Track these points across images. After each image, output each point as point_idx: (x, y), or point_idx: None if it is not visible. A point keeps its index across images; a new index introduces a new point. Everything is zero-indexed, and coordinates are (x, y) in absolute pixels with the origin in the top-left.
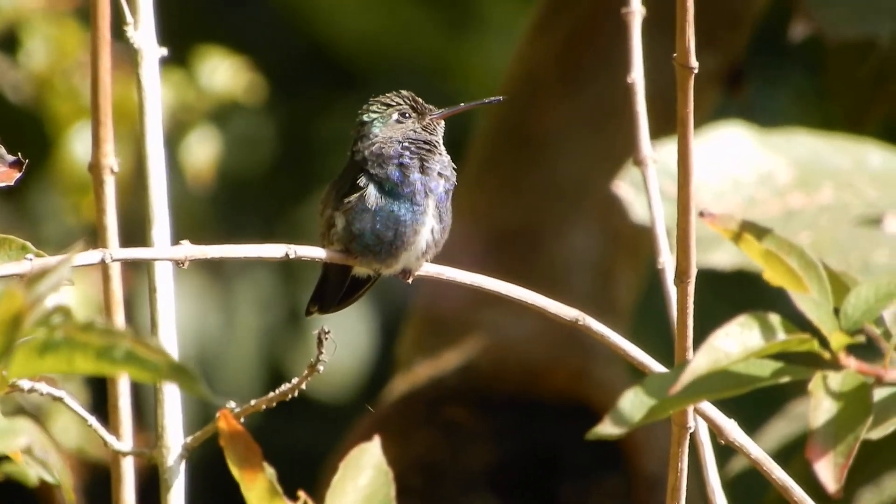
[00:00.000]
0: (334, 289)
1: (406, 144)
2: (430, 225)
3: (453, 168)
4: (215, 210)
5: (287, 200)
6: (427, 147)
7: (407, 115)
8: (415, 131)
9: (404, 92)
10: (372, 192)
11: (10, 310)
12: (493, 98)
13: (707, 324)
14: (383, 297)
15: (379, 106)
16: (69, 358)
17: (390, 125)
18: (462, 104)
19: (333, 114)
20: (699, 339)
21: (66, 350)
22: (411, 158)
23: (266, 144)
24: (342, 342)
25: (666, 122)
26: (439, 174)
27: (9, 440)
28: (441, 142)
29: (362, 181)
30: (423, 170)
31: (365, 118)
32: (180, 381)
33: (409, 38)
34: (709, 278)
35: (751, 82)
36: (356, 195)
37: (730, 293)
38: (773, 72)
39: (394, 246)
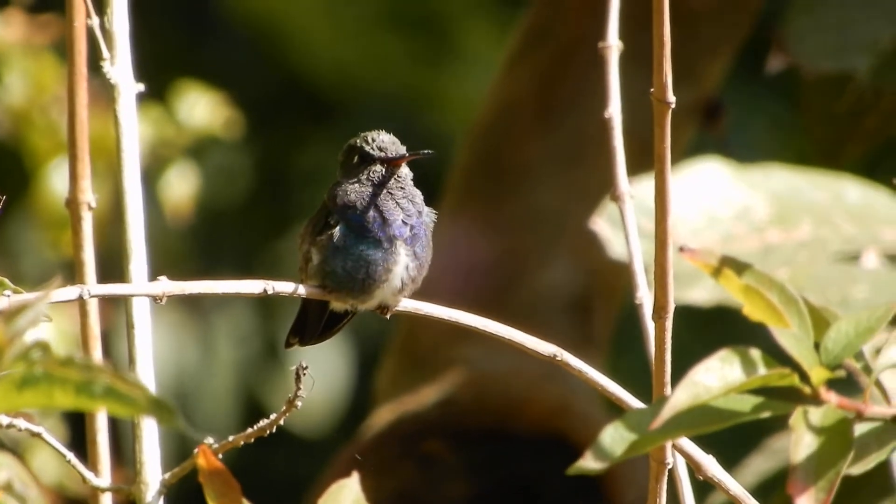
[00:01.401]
0: (313, 322)
1: (360, 194)
2: (403, 263)
3: (427, 211)
4: (193, 244)
5: (265, 233)
6: (386, 198)
7: (368, 160)
8: (373, 183)
9: (375, 133)
10: (339, 231)
11: None
12: (425, 151)
13: (684, 360)
14: (361, 330)
15: (344, 150)
16: (48, 393)
17: (351, 171)
18: (425, 150)
19: (310, 146)
20: (677, 374)
21: (45, 385)
22: (367, 209)
23: (243, 177)
24: (320, 375)
25: (643, 156)
26: (404, 222)
27: None
28: (405, 184)
29: (333, 219)
30: (384, 220)
31: (339, 157)
32: (159, 416)
33: (386, 69)
34: (686, 314)
35: (727, 116)
36: (327, 233)
37: (707, 329)
38: (749, 104)
39: (366, 283)
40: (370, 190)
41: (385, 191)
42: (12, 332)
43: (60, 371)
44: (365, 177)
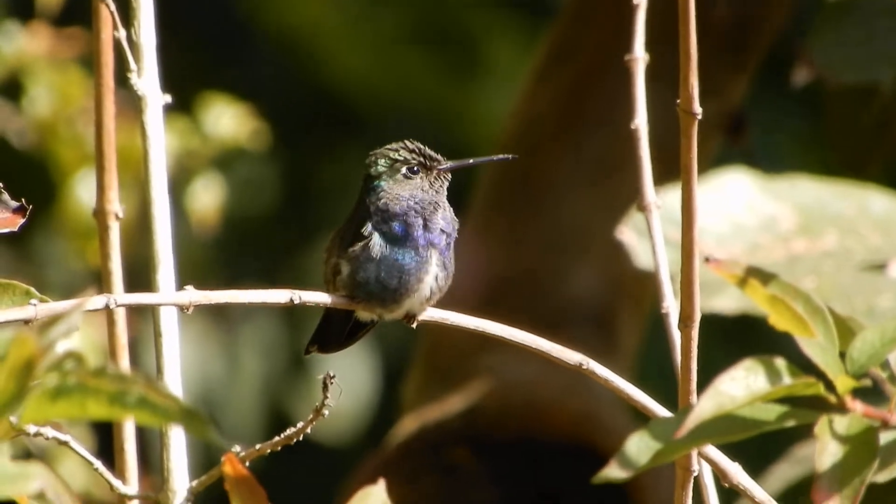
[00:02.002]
0: (336, 331)
1: (412, 204)
2: (434, 273)
3: (455, 221)
4: (218, 255)
5: (290, 245)
6: (432, 207)
7: (415, 170)
8: (422, 189)
9: (412, 143)
10: (377, 242)
11: (21, 356)
12: (502, 156)
13: (709, 368)
14: (386, 340)
15: (387, 160)
16: (82, 403)
17: (398, 181)
18: (471, 160)
19: (337, 159)
20: (702, 383)
21: (78, 395)
22: (416, 217)
23: (269, 189)
24: (346, 385)
25: (668, 169)
26: (442, 231)
27: (22, 484)
28: (445, 195)
29: (367, 230)
30: (427, 227)
31: (372, 171)
32: (192, 427)
33: (413, 83)
34: (712, 323)
35: (752, 128)
36: (361, 244)
37: (733, 338)
38: (774, 117)
39: (398, 293)
40: (426, 198)
41: (437, 200)
42: (46, 342)
43: (93, 382)
44: (420, 187)
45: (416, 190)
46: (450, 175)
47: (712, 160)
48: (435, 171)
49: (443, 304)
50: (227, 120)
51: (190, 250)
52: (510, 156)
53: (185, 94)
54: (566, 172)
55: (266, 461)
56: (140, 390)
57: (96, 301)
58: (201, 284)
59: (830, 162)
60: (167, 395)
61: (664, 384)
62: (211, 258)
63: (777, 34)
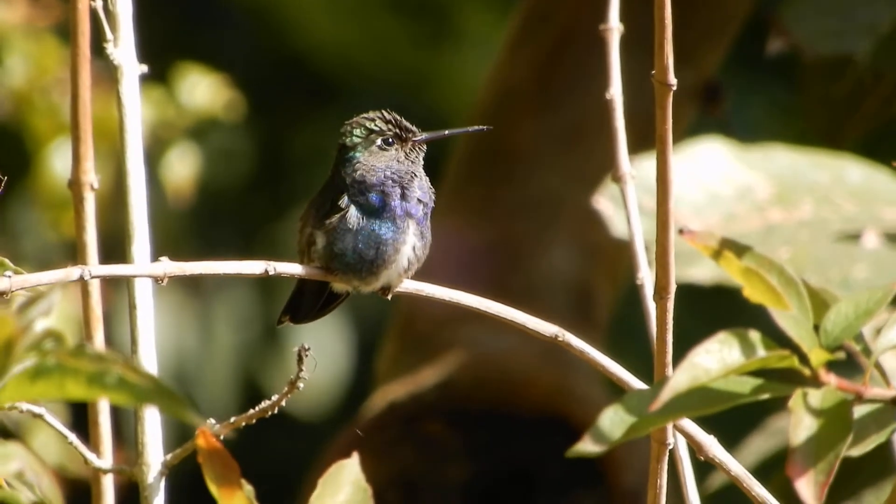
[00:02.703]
0: (310, 302)
1: (388, 174)
2: (411, 243)
3: (432, 191)
4: (193, 225)
5: (265, 215)
6: (409, 177)
7: (390, 141)
8: (398, 161)
9: (388, 114)
10: (353, 213)
11: (1, 335)
12: (476, 127)
13: (685, 339)
14: (361, 312)
15: (362, 130)
16: (60, 384)
17: (373, 152)
18: (446, 131)
19: (311, 127)
20: (678, 354)
21: (57, 376)
22: (392, 187)
23: (244, 159)
24: (321, 357)
25: (643, 136)
26: (419, 200)
27: (1, 464)
28: (421, 166)
29: (343, 202)
30: (404, 197)
31: (347, 142)
32: (170, 408)
33: (387, 50)
34: (687, 293)
35: (728, 97)
36: (337, 215)
37: (708, 308)
38: (749, 86)
39: (375, 264)
40: (402, 168)
41: (413, 170)
42: (25, 322)
43: (72, 362)
44: (396, 158)
45: (391, 161)
46: (425, 146)
47: (687, 129)
48: (410, 143)
49: (418, 275)
50: (203, 90)
51: (165, 221)
52: (485, 127)
53: (160, 64)
54: (540, 142)
55: (241, 434)
56: (119, 371)
57: (71, 273)
58: (176, 255)
59: (806, 131)
60: (146, 375)
61: (639, 356)
62: (186, 229)
63: (752, 2)
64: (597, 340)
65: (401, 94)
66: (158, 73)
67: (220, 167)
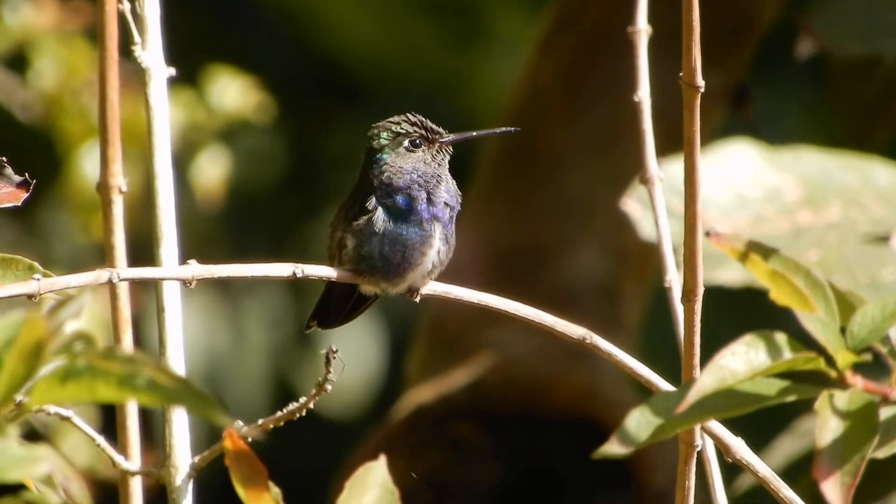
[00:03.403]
0: (338, 305)
1: (415, 177)
2: (436, 247)
3: (458, 195)
4: (223, 227)
5: (295, 217)
6: (435, 180)
7: (417, 143)
8: (424, 162)
9: (415, 117)
10: (380, 216)
11: (31, 337)
12: (505, 129)
13: (713, 341)
14: (391, 313)
15: (389, 133)
16: (91, 386)
17: (400, 153)
18: (474, 133)
19: (341, 129)
20: (706, 356)
21: (88, 377)
22: (419, 191)
23: (274, 161)
24: (350, 359)
25: (672, 138)
26: (445, 203)
27: (30, 467)
28: (447, 168)
29: (371, 204)
30: (431, 201)
31: (374, 144)
32: (201, 409)
33: (417, 53)
34: (716, 295)
35: (756, 99)
36: (365, 218)
37: (737, 310)
38: (778, 87)
39: (401, 267)
40: (429, 171)
41: (440, 173)
42: (55, 324)
43: (103, 364)
44: (423, 160)
45: (418, 163)
46: (452, 148)
47: (716, 131)
48: (437, 144)
49: (446, 277)
50: (233, 92)
51: (194, 224)
52: (513, 128)
53: (189, 66)
54: (570, 144)
55: (270, 433)
56: (149, 373)
57: (100, 275)
58: (205, 258)
59: (835, 133)
60: (176, 377)
61: (667, 358)
62: (215, 231)
63: (780, 4)
64: (625, 343)
65: (431, 96)
66: (188, 75)
67: (251, 169)
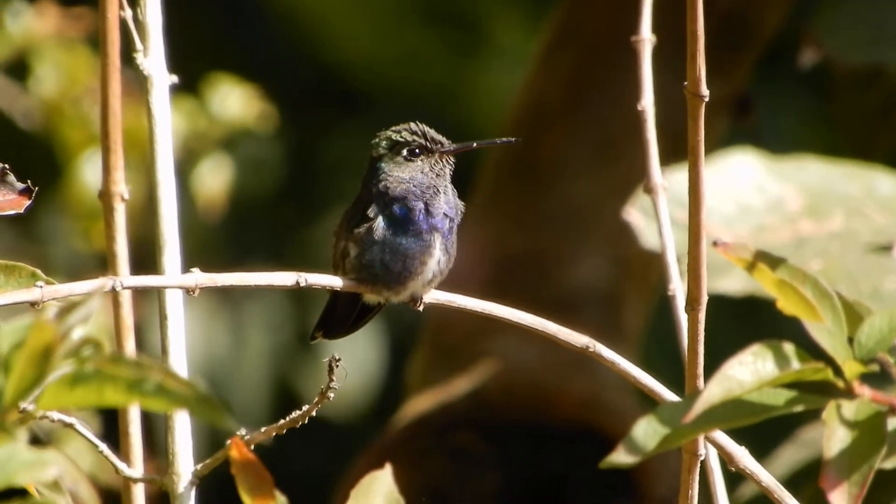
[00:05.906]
0: (342, 315)
1: (412, 187)
2: (437, 257)
3: (460, 205)
4: (225, 236)
5: (297, 225)
6: (433, 191)
7: (416, 152)
8: (422, 172)
9: (417, 125)
10: (381, 224)
11: (40, 342)
12: (506, 139)
13: (717, 349)
14: (393, 320)
15: (388, 142)
16: (99, 390)
17: (399, 163)
18: (475, 143)
19: (342, 138)
20: (709, 365)
21: (96, 382)
22: (416, 201)
23: (275, 169)
24: (353, 366)
25: (675, 147)
26: (445, 215)
27: (38, 471)
28: (448, 179)
29: (372, 212)
30: (429, 212)
31: (374, 153)
32: (208, 415)
33: (418, 63)
34: (718, 304)
35: (759, 108)
36: (366, 226)
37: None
38: (781, 96)
39: (402, 275)
40: (426, 181)
41: (439, 183)
42: (63, 329)
43: (111, 369)
44: (421, 169)
45: (415, 172)
46: (453, 158)
47: (719, 140)
48: (437, 154)
49: (449, 286)
50: (234, 101)
51: (196, 231)
52: (514, 139)
53: (191, 74)
54: (572, 153)
55: (271, 441)
56: (158, 377)
57: (103, 283)
58: (207, 264)
59: (837, 143)
60: (184, 382)
61: (670, 367)
62: (217, 238)
63: (783, 14)
64: (628, 351)
65: (434, 106)
66: (190, 83)
67: (252, 177)
